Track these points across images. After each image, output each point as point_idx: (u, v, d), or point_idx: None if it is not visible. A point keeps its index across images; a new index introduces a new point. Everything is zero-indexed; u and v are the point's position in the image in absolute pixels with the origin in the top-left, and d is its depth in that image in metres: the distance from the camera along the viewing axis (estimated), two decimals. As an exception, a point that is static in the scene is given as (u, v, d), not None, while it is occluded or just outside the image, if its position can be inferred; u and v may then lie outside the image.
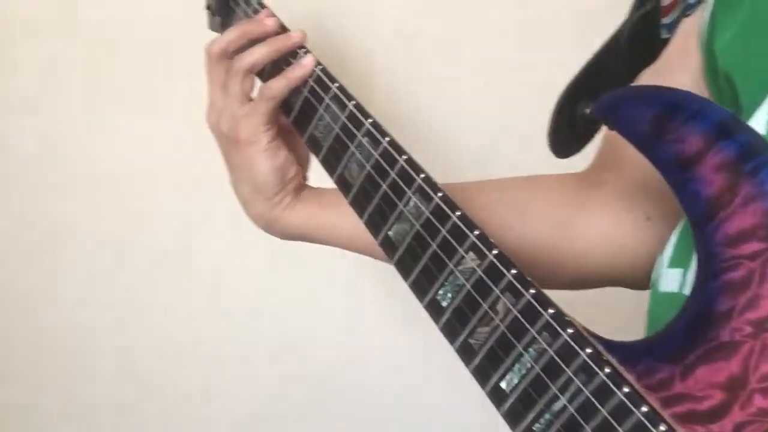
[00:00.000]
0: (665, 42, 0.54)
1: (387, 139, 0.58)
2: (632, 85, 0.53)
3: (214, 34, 0.75)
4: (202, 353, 1.14)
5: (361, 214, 0.59)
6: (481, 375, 0.50)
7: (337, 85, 0.63)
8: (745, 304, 0.42)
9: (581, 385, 0.44)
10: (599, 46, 0.54)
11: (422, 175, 0.55)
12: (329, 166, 0.63)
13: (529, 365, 0.47)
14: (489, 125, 0.96)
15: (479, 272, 0.50)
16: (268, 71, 0.68)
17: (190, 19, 0.86)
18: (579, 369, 0.44)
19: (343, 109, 0.62)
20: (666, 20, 0.53)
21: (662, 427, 0.41)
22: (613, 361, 0.44)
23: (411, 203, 0.55)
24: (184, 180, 1.09)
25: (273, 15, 0.69)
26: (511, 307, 0.48)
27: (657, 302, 0.53)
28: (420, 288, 0.54)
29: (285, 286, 1.09)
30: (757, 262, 0.42)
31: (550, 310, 0.46)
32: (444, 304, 0.52)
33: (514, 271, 0.48)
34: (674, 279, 0.51)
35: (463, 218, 0.52)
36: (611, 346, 0.46)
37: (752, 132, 0.44)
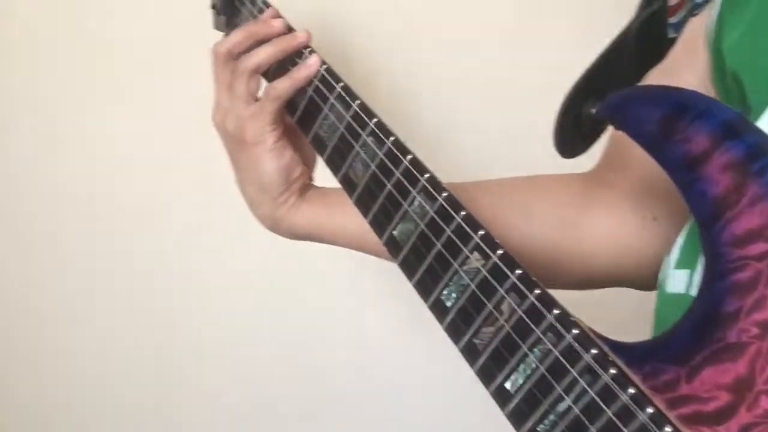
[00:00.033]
0: (672, 41, 0.54)
1: (391, 138, 0.58)
2: (639, 84, 0.53)
3: (218, 33, 0.75)
4: (204, 353, 1.14)
5: (365, 214, 0.59)
6: (486, 375, 0.49)
7: (341, 84, 0.63)
8: (752, 305, 0.42)
9: (586, 386, 0.44)
10: (605, 45, 0.53)
11: (427, 175, 0.54)
12: (334, 165, 0.63)
13: (533, 366, 0.46)
14: (493, 125, 0.96)
15: (484, 272, 0.50)
16: (273, 71, 0.68)
17: (190, 19, 0.86)
18: (584, 370, 0.44)
19: (347, 109, 0.61)
20: (673, 20, 0.53)
21: (668, 429, 0.40)
22: (619, 362, 0.44)
23: (416, 203, 0.55)
24: (186, 179, 1.09)
25: (279, 15, 0.69)
26: (516, 307, 0.48)
27: (664, 303, 0.53)
28: (424, 288, 0.54)
29: (289, 285, 1.09)
30: (764, 262, 0.42)
31: (555, 311, 0.46)
32: (448, 304, 0.52)
33: (519, 272, 0.48)
34: (681, 280, 0.51)
35: (468, 218, 0.51)
36: (617, 347, 0.45)
37: (759, 132, 0.44)
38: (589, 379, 0.44)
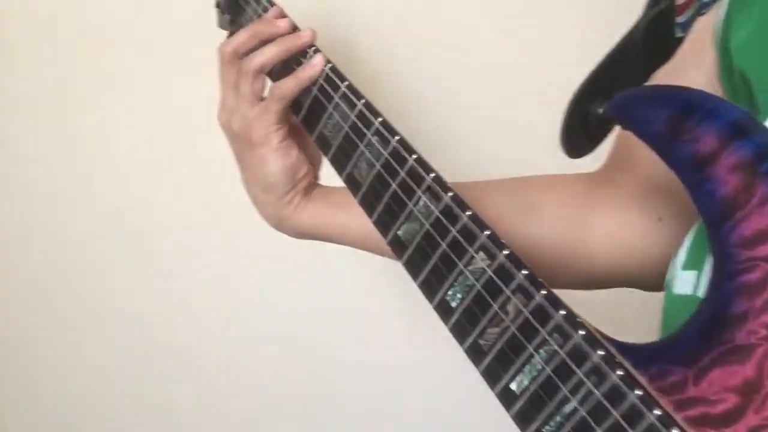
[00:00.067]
0: (680, 41, 0.54)
1: (396, 138, 0.57)
2: (646, 84, 0.53)
3: (221, 32, 0.75)
4: (205, 353, 1.14)
5: (370, 214, 0.59)
6: (491, 376, 0.49)
7: (346, 83, 0.63)
8: (762, 307, 0.41)
9: (593, 388, 0.43)
10: (612, 45, 0.53)
11: (432, 175, 0.54)
12: (338, 165, 0.63)
13: (539, 367, 0.46)
14: (497, 125, 0.96)
15: (489, 272, 0.49)
16: (278, 70, 0.68)
17: (191, 19, 0.86)
18: (591, 371, 0.44)
19: (352, 108, 0.61)
20: (680, 19, 0.53)
21: (675, 431, 0.40)
22: (626, 363, 0.43)
23: (421, 203, 0.54)
24: (188, 179, 1.09)
25: (283, 14, 0.69)
26: (521, 308, 0.47)
27: (671, 304, 0.53)
28: (429, 288, 0.54)
29: (291, 285, 1.09)
30: (773, 264, 0.41)
31: (562, 312, 0.46)
32: (453, 304, 0.52)
33: (525, 272, 0.48)
34: (688, 281, 0.51)
35: (474, 218, 0.51)
36: (623, 348, 0.45)
37: (768, 132, 0.43)
38: (596, 380, 0.43)
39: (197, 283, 1.12)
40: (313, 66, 0.65)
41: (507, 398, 0.48)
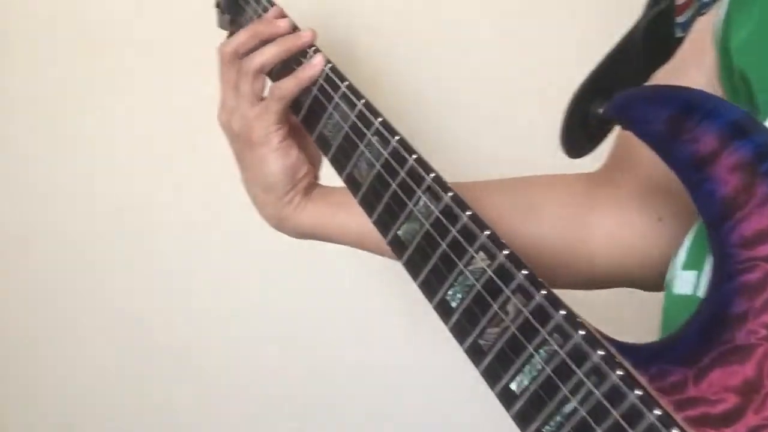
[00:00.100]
0: (680, 41, 0.54)
1: (397, 138, 0.57)
2: (646, 84, 0.53)
3: (220, 32, 0.75)
4: (205, 353, 1.14)
5: (370, 214, 0.59)
6: (491, 376, 0.49)
7: (346, 83, 0.63)
8: (762, 307, 0.41)
9: (593, 388, 0.43)
10: (612, 45, 0.53)
11: (432, 175, 0.54)
12: (338, 165, 0.63)
13: (539, 367, 0.46)
14: (497, 124, 0.96)
15: (489, 272, 0.49)
16: (277, 70, 0.68)
17: (190, 18, 0.86)
18: (591, 371, 0.44)
19: (352, 108, 0.61)
20: (680, 19, 0.53)
21: (675, 431, 0.40)
22: (626, 363, 0.43)
23: (421, 203, 0.54)
24: (188, 179, 1.09)
25: (283, 14, 0.69)
26: (521, 308, 0.47)
27: (671, 304, 0.53)
28: (429, 288, 0.54)
29: (293, 284, 1.09)
30: (773, 264, 0.41)
31: (562, 312, 0.45)
32: (453, 304, 0.52)
33: (525, 272, 0.48)
34: (688, 281, 0.51)
35: (474, 218, 0.51)
36: (623, 348, 0.45)
37: (768, 132, 0.43)
38: (596, 380, 0.43)
39: (197, 283, 1.12)
40: (313, 66, 0.65)
41: (507, 398, 0.48)
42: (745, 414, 0.41)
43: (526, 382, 0.47)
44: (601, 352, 0.43)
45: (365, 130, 0.60)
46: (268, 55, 0.66)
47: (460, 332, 0.51)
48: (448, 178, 0.54)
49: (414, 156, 0.56)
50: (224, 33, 0.75)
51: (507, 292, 0.48)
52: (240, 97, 0.67)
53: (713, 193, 0.43)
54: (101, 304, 1.16)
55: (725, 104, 0.45)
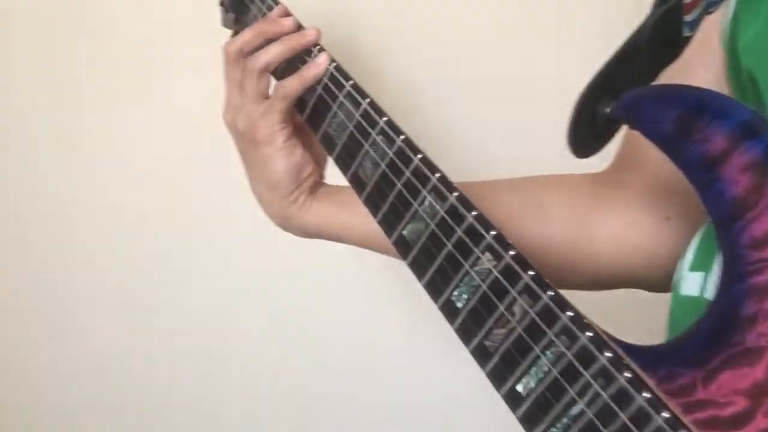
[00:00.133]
0: (687, 40, 0.53)
1: (402, 137, 0.57)
2: (654, 83, 0.52)
3: (223, 31, 0.75)
4: (206, 353, 1.14)
5: (375, 214, 0.59)
6: (497, 378, 0.49)
7: (351, 82, 0.62)
8: (772, 309, 0.41)
9: (600, 390, 0.43)
10: (620, 44, 0.53)
11: (437, 174, 0.54)
12: (343, 164, 0.62)
13: (546, 368, 0.46)
14: (503, 124, 0.96)
15: (495, 273, 0.49)
16: (282, 69, 0.67)
17: (191, 18, 0.86)
18: (598, 373, 0.43)
19: (357, 107, 0.61)
20: (688, 17, 0.52)
21: (683, 434, 0.40)
22: (633, 365, 0.43)
23: (426, 202, 0.54)
24: (192, 178, 1.08)
25: (288, 12, 0.69)
26: (528, 309, 0.47)
27: (678, 306, 0.53)
28: (435, 288, 0.53)
29: (293, 284, 1.09)
30: (784, 265, 0.41)
31: (569, 313, 0.45)
32: (459, 305, 0.51)
33: (531, 273, 0.47)
34: (695, 282, 0.50)
35: (480, 218, 0.51)
36: (631, 350, 0.45)
37: (779, 132, 0.43)
38: (603, 382, 0.43)
39: (197, 283, 1.12)
40: (318, 65, 0.65)
41: (513, 400, 0.47)
42: (755, 417, 0.41)
43: (532, 384, 0.47)
44: (608, 354, 0.43)
45: (370, 130, 0.59)
46: (273, 53, 0.66)
47: (465, 333, 0.51)
48: (454, 177, 0.54)
49: (419, 155, 0.55)
50: (228, 32, 0.75)
51: (513, 293, 0.48)
52: (245, 95, 0.67)
53: (723, 194, 0.43)
54: (101, 304, 1.16)
55: (735, 104, 0.45)
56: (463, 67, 0.96)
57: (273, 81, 0.68)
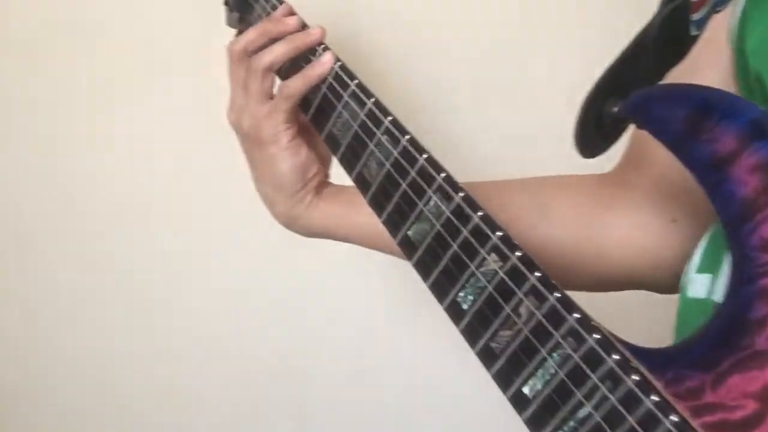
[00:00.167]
0: (695, 39, 0.53)
1: (407, 137, 0.57)
2: (662, 83, 0.52)
3: (224, 30, 0.75)
4: (206, 352, 1.14)
5: (379, 214, 0.58)
6: (503, 380, 0.48)
7: (356, 82, 0.62)
8: (783, 312, 0.40)
9: (608, 393, 0.42)
10: (626, 43, 0.52)
11: (443, 174, 0.53)
12: (348, 164, 0.62)
13: (553, 371, 0.45)
14: (510, 124, 0.96)
15: (501, 274, 0.49)
16: (286, 69, 0.67)
17: (192, 17, 0.85)
18: (605, 375, 0.43)
19: (362, 107, 0.60)
20: (696, 16, 0.52)
21: (692, 437, 0.39)
22: (641, 368, 0.43)
23: (431, 202, 0.54)
24: (193, 178, 1.08)
25: (292, 11, 0.69)
26: (534, 310, 0.46)
27: (685, 308, 0.52)
28: (440, 289, 0.53)
29: (293, 284, 1.09)
30: (795, 267, 0.40)
31: (576, 315, 0.45)
32: (465, 306, 0.51)
33: (538, 274, 0.47)
34: (703, 284, 0.50)
35: (486, 219, 0.50)
36: (639, 352, 0.44)
37: (789, 132, 0.43)
38: (611, 385, 0.42)
39: (198, 283, 1.12)
40: (322, 64, 0.64)
41: (519, 402, 0.47)
42: (765, 420, 0.40)
43: (539, 386, 0.46)
44: (616, 357, 0.43)
45: (375, 129, 0.59)
46: (277, 53, 0.66)
47: (471, 335, 0.50)
48: (459, 178, 0.53)
49: (425, 155, 0.55)
50: (232, 31, 0.75)
51: (519, 294, 0.47)
52: (249, 95, 0.66)
53: (732, 194, 0.43)
54: (101, 304, 1.16)
55: (744, 103, 0.45)
56: (470, 67, 0.95)
57: (277, 81, 0.68)
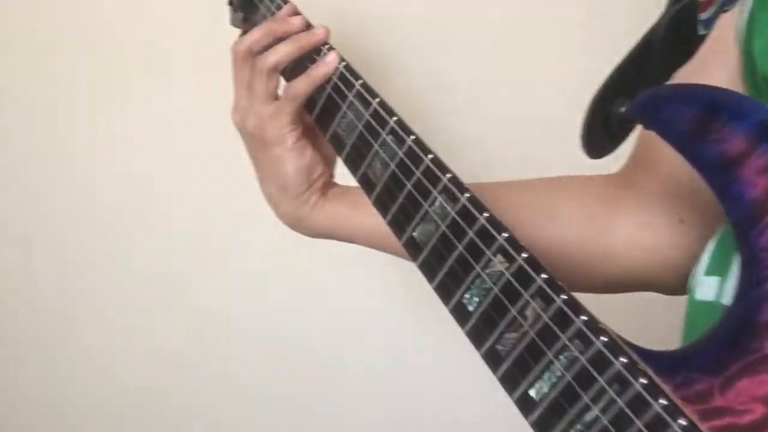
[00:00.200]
0: (702, 39, 0.52)
1: (412, 137, 0.56)
2: (670, 83, 0.51)
3: (224, 30, 0.74)
4: (206, 352, 1.13)
5: (384, 214, 0.58)
6: (509, 382, 0.48)
7: (361, 82, 0.61)
8: (793, 315, 0.40)
9: (615, 396, 0.42)
10: (633, 42, 0.52)
11: (448, 175, 0.53)
12: (352, 164, 0.62)
13: (559, 373, 0.45)
14: (516, 124, 0.96)
15: (508, 276, 0.48)
16: (290, 69, 0.67)
17: (192, 17, 0.85)
18: (613, 379, 0.42)
19: (367, 107, 0.60)
20: (703, 16, 0.51)
21: (701, 441, 0.39)
22: (649, 371, 0.42)
23: (437, 203, 0.53)
24: (198, 177, 1.08)
25: (297, 11, 0.68)
26: (541, 312, 0.46)
27: (693, 310, 0.52)
28: (445, 291, 0.52)
29: (293, 284, 1.08)
30: (804, 270, 0.40)
31: (583, 317, 0.44)
32: (470, 308, 0.50)
33: (544, 276, 0.46)
34: (711, 287, 0.50)
35: (492, 220, 0.50)
36: (647, 355, 0.44)
37: (798, 133, 0.42)
38: (619, 388, 0.42)
39: (198, 283, 1.12)
40: (327, 64, 0.64)
41: (526, 405, 0.47)
42: (774, 425, 0.40)
43: (545, 389, 0.46)
44: (623, 359, 0.42)
45: (380, 130, 0.59)
46: (282, 53, 0.65)
47: (476, 337, 0.50)
48: (465, 178, 0.53)
49: (430, 156, 0.55)
50: (235, 31, 0.74)
51: (526, 296, 0.47)
52: (254, 96, 0.66)
53: (741, 196, 0.42)
54: (101, 304, 1.16)
55: (753, 103, 0.44)
56: (476, 67, 0.95)
57: (282, 81, 0.67)
